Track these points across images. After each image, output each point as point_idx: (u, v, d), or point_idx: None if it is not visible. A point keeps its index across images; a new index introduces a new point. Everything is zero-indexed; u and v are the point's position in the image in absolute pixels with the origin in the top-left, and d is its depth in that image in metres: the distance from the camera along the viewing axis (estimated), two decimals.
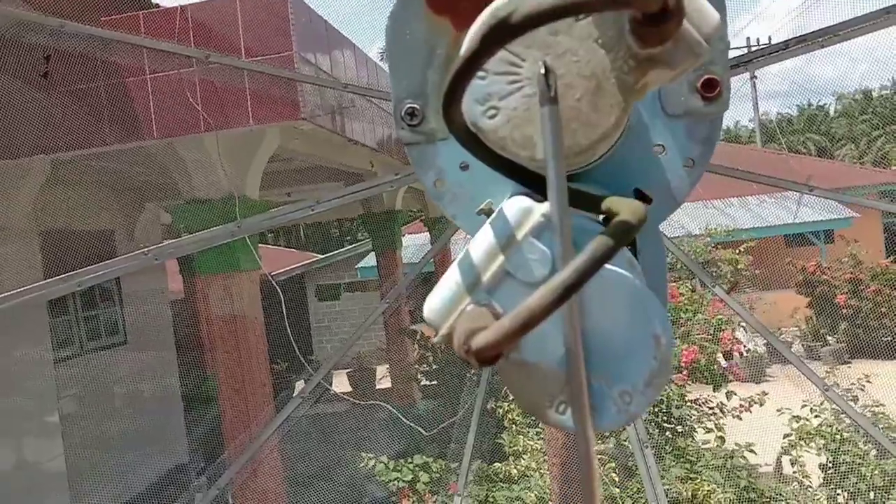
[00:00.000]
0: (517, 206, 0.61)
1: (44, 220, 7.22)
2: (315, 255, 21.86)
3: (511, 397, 6.69)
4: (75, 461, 7.38)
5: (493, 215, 0.63)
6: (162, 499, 7.24)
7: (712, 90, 0.76)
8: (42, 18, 2.81)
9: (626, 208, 0.53)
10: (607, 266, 0.59)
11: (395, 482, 6.18)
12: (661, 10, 0.49)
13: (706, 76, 0.76)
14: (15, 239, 6.67)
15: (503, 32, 0.49)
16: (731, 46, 0.81)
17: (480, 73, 0.59)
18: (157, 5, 5.57)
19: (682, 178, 0.79)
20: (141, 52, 4.93)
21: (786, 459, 6.40)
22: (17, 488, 6.80)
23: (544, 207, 0.60)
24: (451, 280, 0.61)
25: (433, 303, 0.60)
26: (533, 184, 0.63)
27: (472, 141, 0.61)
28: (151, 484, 8.60)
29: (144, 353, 9.90)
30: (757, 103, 27.75)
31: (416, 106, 0.77)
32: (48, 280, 2.58)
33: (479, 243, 0.61)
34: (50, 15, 2.76)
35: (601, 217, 0.63)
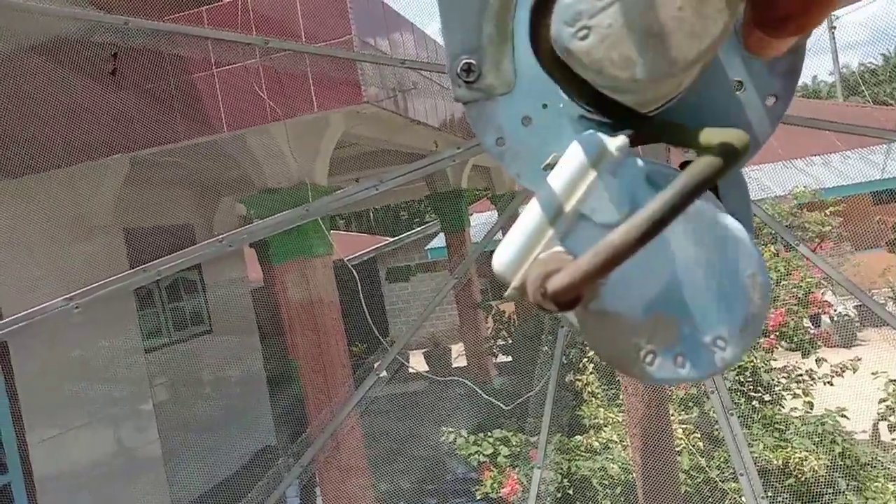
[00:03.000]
0: (589, 142, 0.57)
1: (127, 217, 7.54)
2: (386, 238, 22.11)
3: (590, 370, 6.62)
4: (170, 446, 7.74)
5: (564, 154, 0.59)
6: (253, 478, 7.52)
7: None
8: (105, 17, 2.89)
9: (727, 135, 0.48)
10: (696, 201, 0.55)
11: (476, 456, 6.23)
12: None
13: None
14: (102, 236, 6.99)
15: None
16: None
17: None
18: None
19: (763, 115, 0.73)
20: (206, 46, 5.05)
21: (883, 426, 6.10)
22: (117, 472, 7.19)
23: (619, 142, 0.56)
24: (520, 228, 0.57)
25: (503, 254, 0.57)
26: (618, 116, 0.59)
27: (560, 67, 0.56)
28: (244, 465, 8.96)
29: (229, 340, 10.27)
30: (836, 55, 26.26)
31: (471, 61, 0.74)
32: (129, 271, 2.69)
33: (550, 187, 0.58)
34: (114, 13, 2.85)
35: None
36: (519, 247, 0.56)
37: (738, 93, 0.72)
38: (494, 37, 0.72)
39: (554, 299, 0.44)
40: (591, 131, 0.58)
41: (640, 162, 0.56)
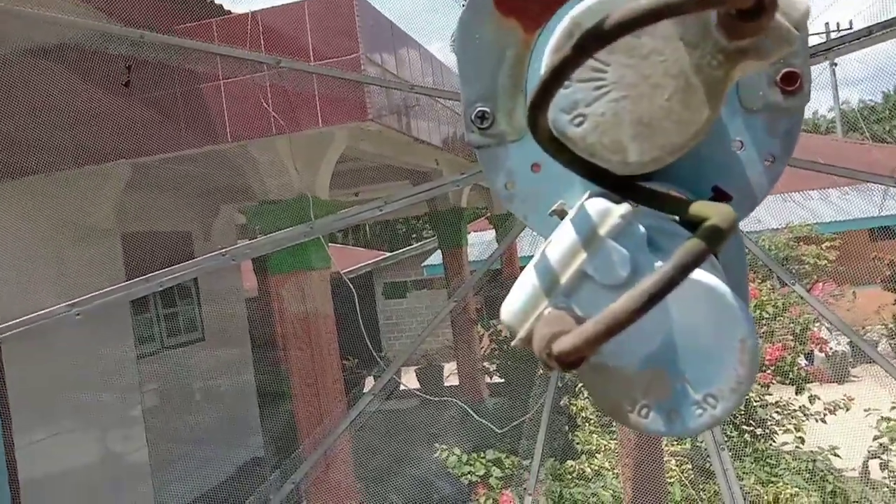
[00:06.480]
0: (595, 208, 0.60)
1: (125, 222, 7.54)
2: (382, 252, 22.10)
3: (585, 395, 6.61)
4: (157, 453, 7.69)
5: (570, 217, 0.62)
6: (239, 490, 7.48)
7: (793, 83, 0.73)
8: (124, 31, 2.94)
9: (715, 212, 0.51)
10: (697, 270, 0.57)
11: (469, 475, 6.22)
12: (754, 5, 0.48)
13: (786, 69, 0.73)
14: (99, 241, 7.00)
15: (595, 41, 0.48)
16: (810, 33, 0.78)
17: (564, 83, 0.59)
18: (229, 11, 5.74)
19: (761, 174, 0.76)
20: (214, 59, 5.09)
21: (874, 463, 6.10)
22: (103, 478, 7.15)
23: (622, 209, 0.59)
24: (528, 282, 0.60)
25: (511, 305, 0.60)
26: (618, 187, 0.62)
27: (559, 148, 0.60)
28: (230, 476, 8.90)
29: (221, 350, 10.24)
30: (837, 91, 26.49)
31: (486, 109, 0.77)
32: (132, 280, 2.70)
33: (557, 245, 0.61)
34: (130, 26, 2.88)
35: (682, 219, 0.61)
36: (526, 300, 0.59)
37: (738, 152, 0.75)
38: (508, 87, 0.76)
39: (558, 360, 0.48)
40: (598, 197, 0.61)
41: (641, 228, 0.60)
